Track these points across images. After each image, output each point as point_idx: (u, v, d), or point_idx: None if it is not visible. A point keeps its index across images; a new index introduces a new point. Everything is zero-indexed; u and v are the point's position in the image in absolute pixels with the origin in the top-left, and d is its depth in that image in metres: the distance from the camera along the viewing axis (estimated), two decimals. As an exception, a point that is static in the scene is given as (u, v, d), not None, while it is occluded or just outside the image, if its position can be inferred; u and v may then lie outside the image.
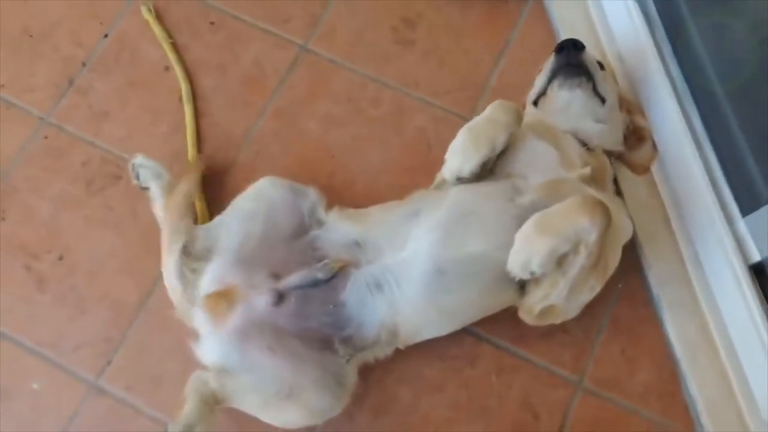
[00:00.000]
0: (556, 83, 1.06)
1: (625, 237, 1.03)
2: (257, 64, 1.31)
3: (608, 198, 1.00)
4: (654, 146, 1.15)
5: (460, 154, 0.99)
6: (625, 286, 1.12)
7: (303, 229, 1.06)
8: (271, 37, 1.32)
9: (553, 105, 1.07)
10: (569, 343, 1.09)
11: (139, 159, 1.12)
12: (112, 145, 1.24)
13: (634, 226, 1.11)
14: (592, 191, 0.97)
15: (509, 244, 0.92)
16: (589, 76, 1.06)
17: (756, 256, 0.99)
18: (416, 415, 1.07)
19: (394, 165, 1.23)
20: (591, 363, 1.09)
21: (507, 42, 1.32)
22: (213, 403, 0.94)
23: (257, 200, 1.07)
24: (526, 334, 1.08)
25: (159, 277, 1.08)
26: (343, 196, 1.19)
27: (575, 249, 0.90)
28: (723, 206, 1.04)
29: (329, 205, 1.10)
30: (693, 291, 1.07)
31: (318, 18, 1.34)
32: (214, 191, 1.20)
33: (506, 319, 1.04)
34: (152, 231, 1.11)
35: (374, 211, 1.05)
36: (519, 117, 1.01)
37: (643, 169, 1.16)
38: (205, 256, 1.03)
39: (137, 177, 1.12)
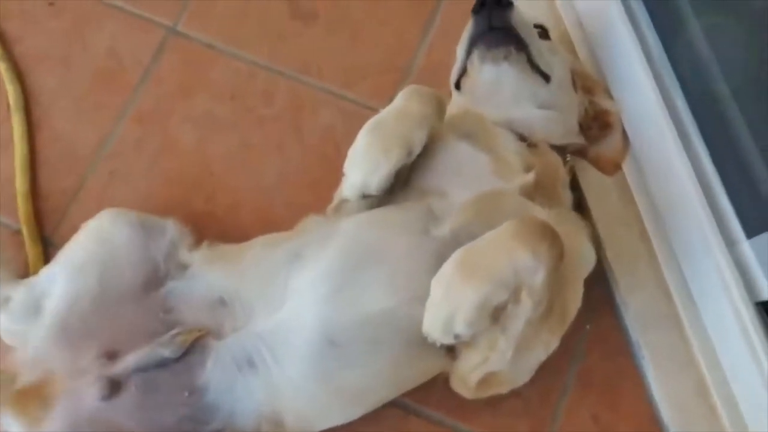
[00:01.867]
0: (476, 56, 0.79)
1: (586, 269, 0.77)
2: (113, 53, 1.02)
3: (560, 215, 0.75)
4: (624, 136, 0.88)
5: (365, 163, 0.73)
6: (595, 329, 0.86)
7: (157, 280, 0.80)
8: (130, 18, 1.03)
9: (477, 87, 0.81)
10: (523, 412, 0.82)
11: None
12: None
13: (603, 247, 0.86)
14: (536, 208, 0.73)
15: (425, 294, 0.66)
16: (520, 44, 0.78)
17: (765, 292, 0.73)
18: None
19: (294, 178, 0.96)
20: (554, 434, 0.83)
21: (436, 6, 1.03)
22: None
23: (94, 245, 0.81)
24: (466, 403, 0.81)
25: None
26: (227, 224, 0.94)
27: (516, 297, 0.64)
28: (720, 223, 0.77)
29: (206, 239, 0.84)
30: (684, 336, 0.80)
31: (189, -11, 1.05)
32: (53, 228, 0.93)
33: (440, 383, 0.78)
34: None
35: (252, 249, 0.79)
36: (440, 107, 0.77)
37: (612, 167, 0.89)
38: (29, 320, 0.77)
39: None
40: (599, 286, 0.86)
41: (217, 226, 0.92)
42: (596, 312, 0.85)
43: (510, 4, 0.79)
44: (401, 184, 0.77)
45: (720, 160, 0.78)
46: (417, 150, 0.74)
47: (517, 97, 0.79)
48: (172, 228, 0.82)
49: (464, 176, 0.75)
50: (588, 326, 0.86)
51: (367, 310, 0.68)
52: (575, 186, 0.88)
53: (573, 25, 0.94)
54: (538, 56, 0.79)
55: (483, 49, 0.78)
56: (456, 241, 0.69)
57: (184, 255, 0.81)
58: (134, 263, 0.79)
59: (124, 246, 0.80)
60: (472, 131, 0.78)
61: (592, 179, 0.89)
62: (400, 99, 0.77)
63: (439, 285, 0.66)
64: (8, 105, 0.96)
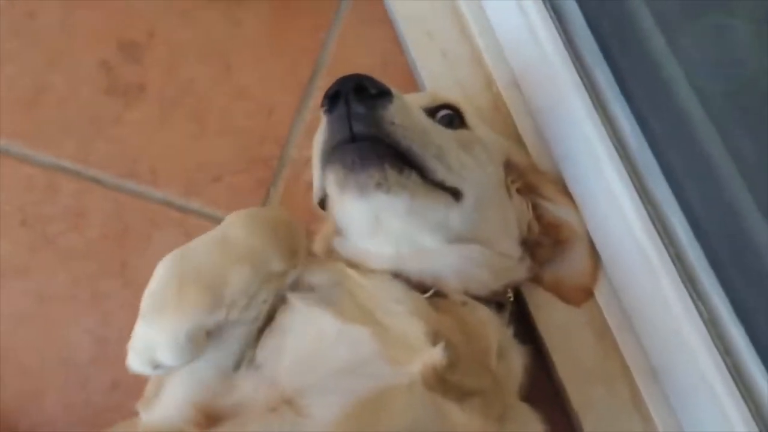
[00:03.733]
0: (331, 179, 0.50)
1: None
2: None
3: (491, 411, 0.48)
4: (592, 250, 0.61)
5: (150, 314, 0.48)
6: None
7: None
8: None
9: (345, 220, 0.54)
10: None
11: None
12: None
13: (578, 418, 0.59)
14: (451, 410, 0.45)
15: None
16: (403, 160, 0.49)
17: None
18: None
19: (118, 345, 0.60)
20: None
21: (316, 65, 0.74)
22: None
23: None
24: None
25: None
26: (19, 426, 0.62)
27: None
28: (748, 389, 0.51)
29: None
30: None
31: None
32: None
33: None
34: None
35: None
36: (290, 241, 0.51)
37: (579, 294, 0.62)
38: None
39: None
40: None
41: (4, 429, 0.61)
42: None
43: (384, 94, 0.49)
44: (247, 359, 0.50)
45: (742, 303, 0.53)
46: (237, 300, 0.48)
47: (407, 234, 0.51)
48: None
49: (329, 367, 0.46)
50: None
51: None
52: (528, 331, 0.61)
53: (509, 88, 0.66)
54: (440, 165, 0.50)
55: (340, 172, 0.48)
56: None
57: None
58: None
59: None
60: (345, 289, 0.50)
61: (553, 317, 0.61)
62: (223, 224, 0.52)
63: None
64: None
